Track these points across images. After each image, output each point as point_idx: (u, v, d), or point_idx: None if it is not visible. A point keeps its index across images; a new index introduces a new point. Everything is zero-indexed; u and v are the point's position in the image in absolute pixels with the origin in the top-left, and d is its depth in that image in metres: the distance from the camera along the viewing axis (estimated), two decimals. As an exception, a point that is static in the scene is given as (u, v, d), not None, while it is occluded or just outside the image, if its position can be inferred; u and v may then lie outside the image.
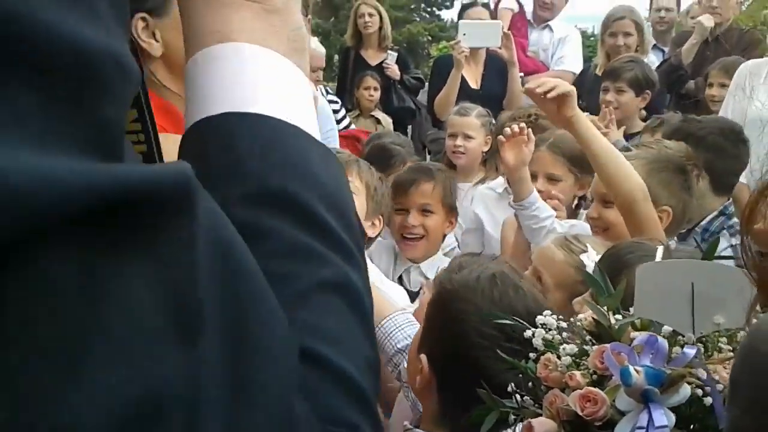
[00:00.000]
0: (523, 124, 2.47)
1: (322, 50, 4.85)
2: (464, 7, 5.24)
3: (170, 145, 0.63)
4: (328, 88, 5.11)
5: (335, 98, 5.15)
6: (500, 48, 4.58)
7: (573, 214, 2.72)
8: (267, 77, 0.57)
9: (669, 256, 1.29)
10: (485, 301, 1.32)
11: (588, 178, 2.55)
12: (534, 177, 2.50)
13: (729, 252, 2.45)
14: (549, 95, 2.06)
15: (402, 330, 1.67)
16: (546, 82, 2.13)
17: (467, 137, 3.34)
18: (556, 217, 2.42)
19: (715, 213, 2.69)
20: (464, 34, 4.40)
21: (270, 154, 0.54)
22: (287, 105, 0.57)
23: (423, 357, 1.34)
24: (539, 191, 2.46)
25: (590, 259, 1.82)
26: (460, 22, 4.71)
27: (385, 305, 1.73)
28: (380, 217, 2.03)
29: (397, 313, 1.71)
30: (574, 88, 2.09)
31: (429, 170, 2.64)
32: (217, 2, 0.59)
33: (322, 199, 0.54)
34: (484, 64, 4.63)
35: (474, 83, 4.61)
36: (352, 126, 5.06)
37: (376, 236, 2.09)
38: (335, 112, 4.78)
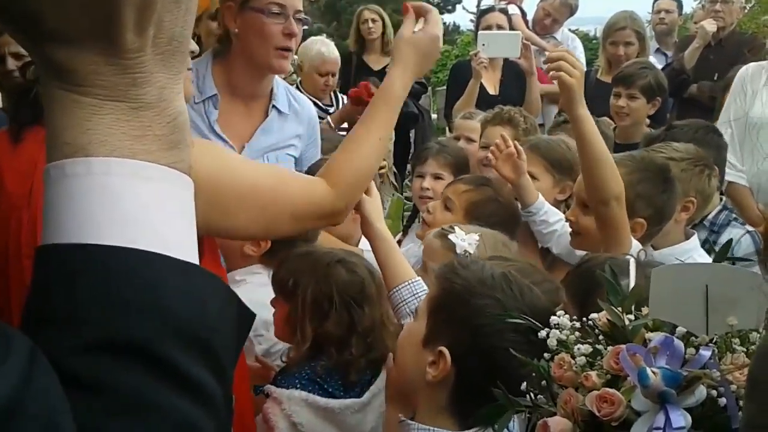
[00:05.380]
0: (505, 135, 2.53)
1: (336, 55, 4.66)
2: (482, 13, 5.20)
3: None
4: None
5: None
6: (519, 58, 4.56)
7: None
8: (118, 199, 0.54)
9: (642, 270, 1.26)
10: (506, 298, 1.33)
11: (569, 182, 2.56)
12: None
13: (747, 238, 2.59)
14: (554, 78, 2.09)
15: (418, 298, 1.67)
16: (561, 63, 2.08)
17: (469, 140, 3.36)
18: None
19: (719, 207, 2.75)
20: (483, 45, 4.30)
21: (114, 294, 0.52)
22: (139, 228, 0.54)
23: (444, 350, 1.34)
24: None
25: (458, 238, 1.93)
26: (480, 32, 4.63)
27: (401, 269, 1.76)
28: None
29: (414, 280, 1.74)
30: (574, 83, 2.04)
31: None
32: (72, 104, 0.56)
33: (173, 335, 0.53)
34: (502, 69, 4.60)
35: (492, 89, 4.58)
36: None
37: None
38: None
